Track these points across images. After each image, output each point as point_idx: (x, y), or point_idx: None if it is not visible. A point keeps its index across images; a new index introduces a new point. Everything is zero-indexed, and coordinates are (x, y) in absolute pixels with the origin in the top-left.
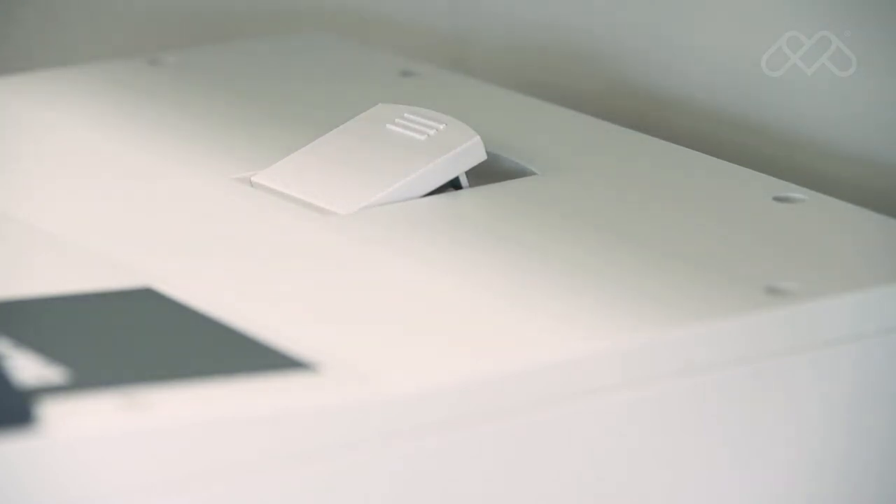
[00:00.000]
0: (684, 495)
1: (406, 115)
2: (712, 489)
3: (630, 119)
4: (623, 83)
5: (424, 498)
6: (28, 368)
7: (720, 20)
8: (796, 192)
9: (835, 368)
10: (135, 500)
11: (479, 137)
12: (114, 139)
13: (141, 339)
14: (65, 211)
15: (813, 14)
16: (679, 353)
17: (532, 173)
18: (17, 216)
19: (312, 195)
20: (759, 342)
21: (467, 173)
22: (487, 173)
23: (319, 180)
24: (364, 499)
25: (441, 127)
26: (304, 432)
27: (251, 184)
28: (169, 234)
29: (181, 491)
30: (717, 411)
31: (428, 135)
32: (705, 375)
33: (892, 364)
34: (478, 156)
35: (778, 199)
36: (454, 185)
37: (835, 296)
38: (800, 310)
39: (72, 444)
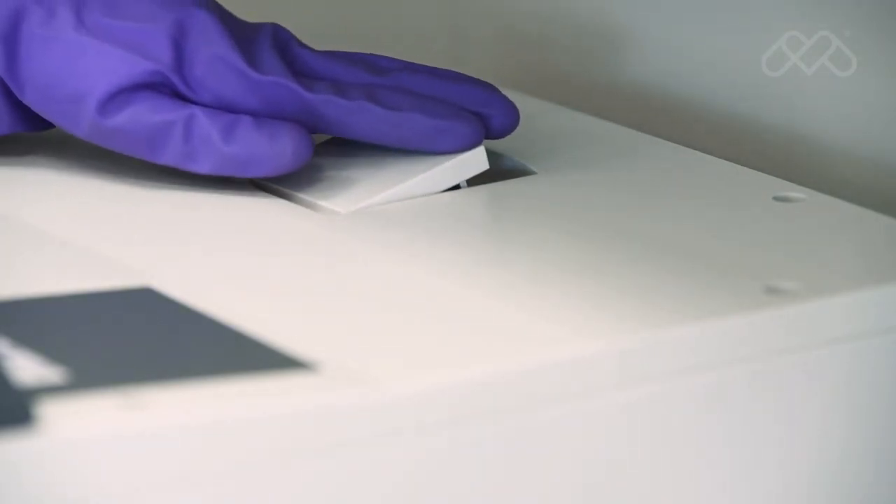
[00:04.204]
0: (684, 494)
1: None
2: (712, 488)
3: (630, 119)
4: (623, 83)
5: (423, 498)
6: (28, 368)
7: (720, 20)
8: (796, 192)
9: (834, 368)
10: (134, 499)
11: (482, 147)
12: None
13: (140, 338)
14: (65, 211)
15: (813, 14)
16: (678, 352)
17: (532, 173)
18: (17, 216)
19: (312, 194)
20: (759, 342)
21: None
22: (487, 172)
23: (320, 180)
24: (362, 498)
25: None
26: (303, 432)
27: (251, 183)
28: (169, 234)
29: (180, 490)
30: (716, 411)
31: None
32: (705, 375)
33: (891, 364)
34: (480, 165)
35: (778, 199)
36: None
37: (834, 295)
38: (799, 310)
39: (72, 444)
